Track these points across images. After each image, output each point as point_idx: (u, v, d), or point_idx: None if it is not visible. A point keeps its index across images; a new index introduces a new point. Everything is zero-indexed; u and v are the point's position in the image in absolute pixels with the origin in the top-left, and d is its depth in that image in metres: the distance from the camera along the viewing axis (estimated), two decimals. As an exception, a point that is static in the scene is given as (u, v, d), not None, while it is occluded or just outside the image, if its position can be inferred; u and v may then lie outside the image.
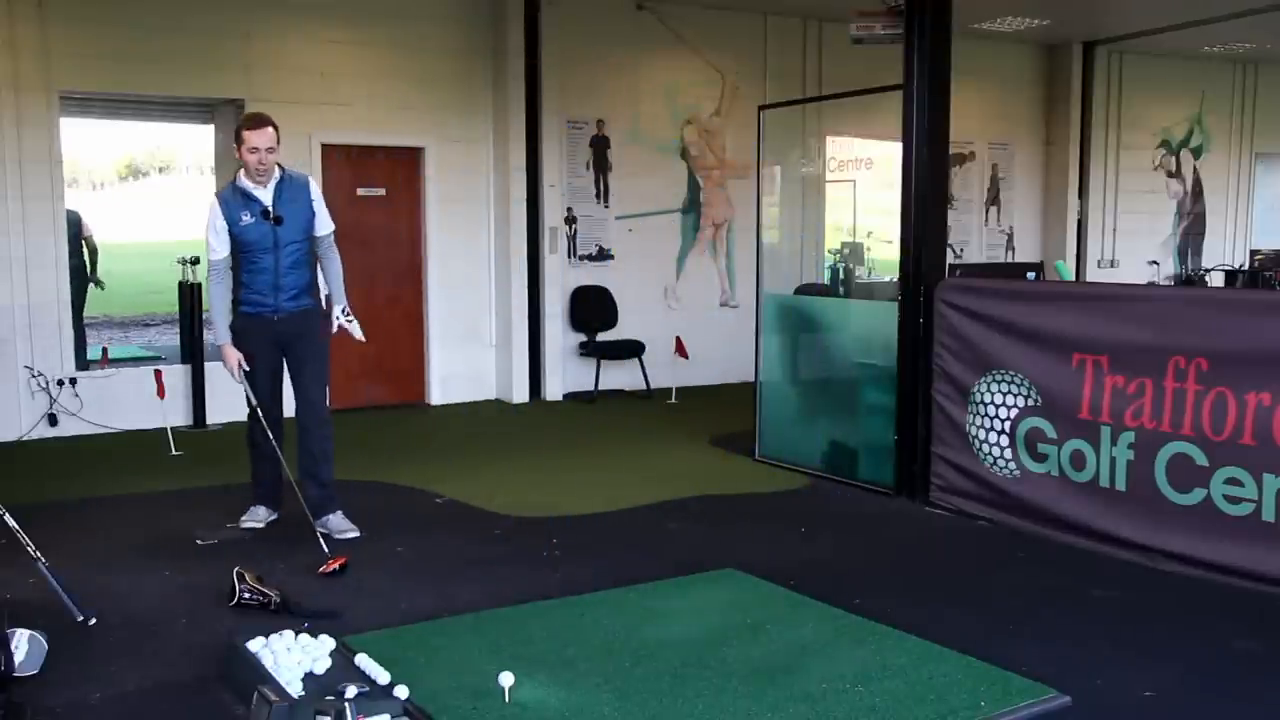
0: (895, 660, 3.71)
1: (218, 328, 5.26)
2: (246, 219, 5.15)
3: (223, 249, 5.19)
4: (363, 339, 5.44)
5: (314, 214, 5.30)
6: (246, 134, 5.08)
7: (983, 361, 5.56)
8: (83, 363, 8.52)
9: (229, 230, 5.16)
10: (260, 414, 5.28)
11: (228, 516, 5.51)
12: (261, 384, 5.30)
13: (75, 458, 7.29)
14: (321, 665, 3.56)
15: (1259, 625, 4.14)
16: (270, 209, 5.16)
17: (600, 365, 9.58)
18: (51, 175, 7.81)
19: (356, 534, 5.28)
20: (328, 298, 5.46)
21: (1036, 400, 5.31)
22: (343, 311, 5.40)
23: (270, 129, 5.09)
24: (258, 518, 5.45)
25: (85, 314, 9.84)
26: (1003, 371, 5.46)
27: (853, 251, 7.50)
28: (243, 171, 5.17)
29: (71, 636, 3.90)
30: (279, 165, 5.22)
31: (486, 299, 9.49)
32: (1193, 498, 4.68)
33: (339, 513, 5.35)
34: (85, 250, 9.59)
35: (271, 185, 5.18)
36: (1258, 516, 4.46)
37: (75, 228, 9.39)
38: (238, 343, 5.25)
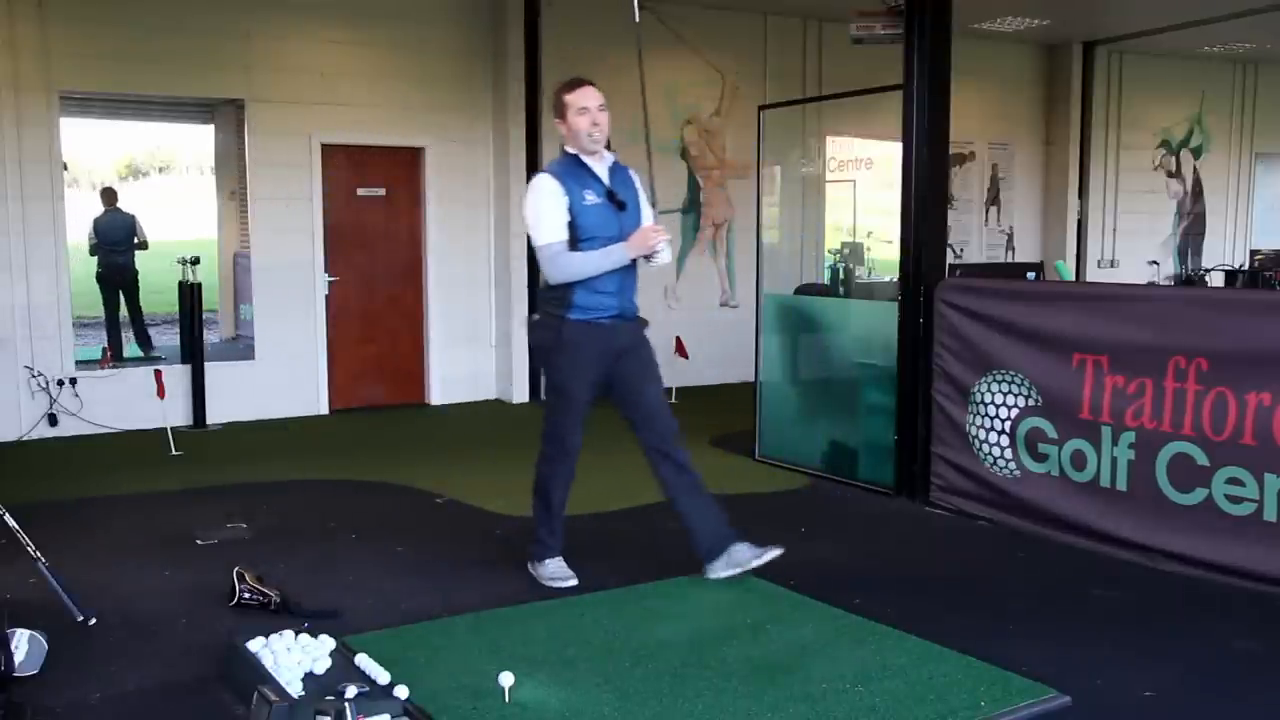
0: (895, 660, 3.71)
1: (614, 253, 4.28)
2: (591, 199, 4.29)
3: (564, 231, 4.26)
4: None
5: (641, 206, 4.50)
6: (570, 96, 4.33)
7: (983, 361, 5.55)
8: (148, 351, 9.96)
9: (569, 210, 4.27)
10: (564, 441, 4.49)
11: (227, 517, 5.51)
12: (577, 409, 4.47)
13: (75, 458, 7.28)
14: (321, 665, 3.56)
15: (1259, 625, 4.13)
16: (612, 190, 4.36)
17: (600, 365, 9.56)
18: (51, 175, 7.80)
19: (778, 551, 4.50)
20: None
21: (1037, 400, 5.31)
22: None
23: (593, 87, 4.36)
24: (567, 571, 4.59)
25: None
26: (1003, 371, 5.46)
27: (853, 251, 7.51)
28: (568, 145, 4.40)
29: (71, 636, 3.90)
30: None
31: (486, 299, 9.49)
32: (1194, 497, 4.68)
33: (744, 542, 4.54)
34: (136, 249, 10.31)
35: (605, 165, 4.42)
36: (1259, 516, 4.46)
37: (131, 230, 10.23)
38: (571, 354, 4.37)
